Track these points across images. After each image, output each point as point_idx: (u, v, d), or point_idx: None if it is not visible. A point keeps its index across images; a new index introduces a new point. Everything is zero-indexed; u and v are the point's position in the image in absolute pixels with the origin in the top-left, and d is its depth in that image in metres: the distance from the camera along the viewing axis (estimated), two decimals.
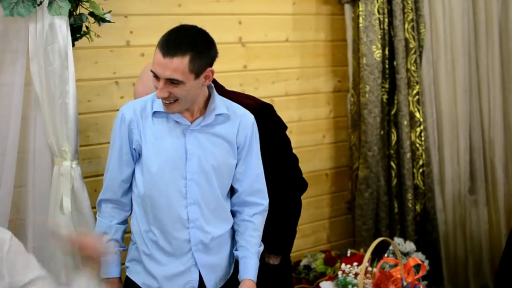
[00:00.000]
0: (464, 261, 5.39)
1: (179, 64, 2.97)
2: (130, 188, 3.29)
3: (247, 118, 3.30)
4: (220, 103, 3.23)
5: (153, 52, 3.71)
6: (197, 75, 3.03)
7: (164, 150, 3.16)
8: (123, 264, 3.35)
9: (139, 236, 3.26)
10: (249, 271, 3.29)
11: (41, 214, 3.49)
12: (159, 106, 3.15)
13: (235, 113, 3.28)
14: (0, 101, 3.38)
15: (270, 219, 3.44)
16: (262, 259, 3.46)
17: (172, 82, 2.99)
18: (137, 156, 3.22)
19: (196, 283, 3.26)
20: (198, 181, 3.20)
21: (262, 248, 3.37)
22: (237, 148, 3.28)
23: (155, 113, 3.17)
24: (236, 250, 3.34)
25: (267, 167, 3.39)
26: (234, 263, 3.40)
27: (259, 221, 3.37)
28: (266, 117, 3.52)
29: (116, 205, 3.28)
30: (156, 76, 3.02)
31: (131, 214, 3.34)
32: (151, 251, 3.24)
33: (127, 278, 3.33)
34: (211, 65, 3.09)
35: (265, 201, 3.37)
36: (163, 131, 3.17)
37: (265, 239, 3.41)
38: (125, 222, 3.34)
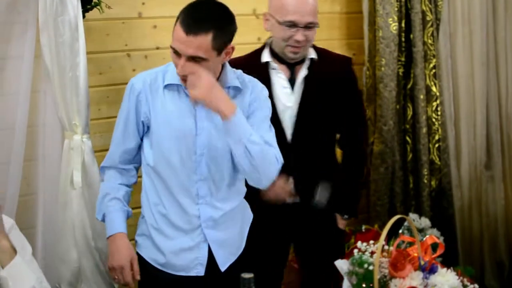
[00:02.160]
0: (480, 237, 5.35)
1: (203, 42, 2.92)
2: (134, 159, 3.25)
3: (257, 86, 3.26)
4: (232, 76, 3.18)
5: (165, 24, 3.67)
6: (219, 52, 2.99)
7: (173, 124, 3.12)
8: (132, 239, 3.30)
9: (148, 209, 3.23)
10: None
11: (51, 188, 3.48)
12: (171, 78, 3.11)
13: (246, 84, 3.23)
14: (9, 74, 3.38)
15: (340, 179, 3.73)
16: (331, 223, 3.78)
17: (194, 59, 2.94)
18: (145, 129, 3.19)
19: (205, 260, 3.22)
20: (208, 156, 3.16)
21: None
22: (247, 118, 3.19)
23: (166, 86, 3.12)
24: None
25: (353, 115, 3.76)
26: (246, 238, 3.37)
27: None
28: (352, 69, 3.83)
29: (117, 171, 3.25)
30: (176, 53, 2.96)
31: (135, 181, 3.31)
32: (159, 225, 3.21)
33: (137, 254, 3.28)
34: (231, 41, 3.04)
35: (273, 149, 3.21)
36: (174, 105, 3.13)
37: (338, 202, 3.72)
38: (129, 186, 3.28)
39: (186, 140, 3.13)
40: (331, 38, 4.82)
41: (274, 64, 3.59)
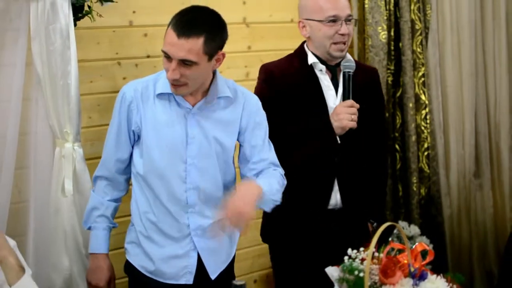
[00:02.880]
0: (469, 246, 5.37)
1: (194, 45, 2.94)
2: (126, 169, 3.28)
3: (251, 98, 3.29)
4: (223, 86, 3.19)
5: (156, 32, 3.67)
6: (210, 57, 3.01)
7: (164, 133, 3.14)
8: (122, 247, 3.34)
9: (138, 217, 3.25)
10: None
11: (42, 196, 3.47)
12: (162, 87, 3.12)
13: (238, 95, 3.25)
14: (1, 82, 3.35)
15: (370, 186, 3.72)
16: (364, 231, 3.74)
17: (185, 63, 2.96)
18: (135, 138, 3.20)
19: (194, 268, 3.23)
20: (198, 166, 3.17)
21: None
22: (240, 132, 3.26)
23: (158, 95, 3.13)
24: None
25: (379, 123, 3.79)
26: (236, 245, 3.39)
27: (279, 173, 3.33)
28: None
29: (110, 183, 3.27)
30: (168, 57, 2.99)
31: (125, 194, 3.34)
32: (149, 233, 3.22)
33: (127, 261, 3.32)
34: (222, 47, 3.07)
35: (280, 170, 3.34)
36: (165, 114, 3.14)
37: (369, 209, 3.72)
38: (118, 200, 3.32)
39: (177, 149, 3.14)
40: None
41: (320, 66, 3.60)
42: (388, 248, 2.91)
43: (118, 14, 3.94)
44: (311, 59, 3.59)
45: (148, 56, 4.08)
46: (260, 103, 3.32)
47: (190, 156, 3.16)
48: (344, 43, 3.53)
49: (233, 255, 3.39)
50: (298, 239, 3.62)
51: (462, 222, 5.32)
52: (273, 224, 3.71)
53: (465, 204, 5.31)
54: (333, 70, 3.62)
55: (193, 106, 3.14)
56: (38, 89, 3.40)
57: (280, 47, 4.56)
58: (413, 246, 2.94)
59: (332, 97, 3.59)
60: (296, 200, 3.55)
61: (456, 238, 5.31)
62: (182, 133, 3.15)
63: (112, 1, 3.48)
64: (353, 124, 3.47)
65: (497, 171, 5.40)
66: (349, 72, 3.51)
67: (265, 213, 3.66)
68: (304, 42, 3.70)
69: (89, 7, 3.46)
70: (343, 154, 3.57)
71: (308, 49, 3.64)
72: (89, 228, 3.28)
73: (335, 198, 3.59)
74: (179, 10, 3.04)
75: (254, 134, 3.27)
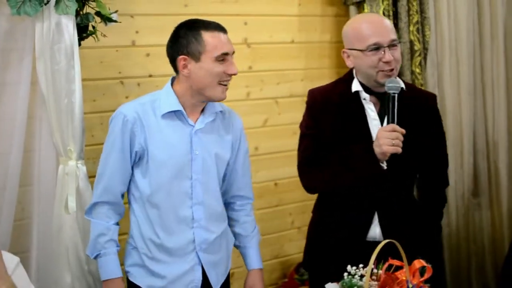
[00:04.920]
0: (467, 264, 5.38)
1: None
2: (124, 191, 3.30)
3: (236, 120, 3.43)
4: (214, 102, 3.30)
5: (158, 52, 3.72)
6: None
7: (171, 151, 3.19)
8: (122, 265, 3.36)
9: (141, 241, 3.28)
10: (254, 260, 3.47)
11: (45, 213, 3.49)
12: (168, 106, 3.19)
13: (227, 110, 3.38)
14: (6, 100, 3.39)
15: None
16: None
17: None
18: (135, 160, 3.23)
19: (200, 283, 3.30)
20: (202, 180, 3.25)
21: (258, 235, 3.53)
22: (233, 146, 3.39)
23: (164, 115, 3.19)
24: (236, 241, 3.50)
25: (439, 153, 3.54)
26: (230, 258, 3.48)
27: (249, 208, 3.53)
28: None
29: (112, 207, 3.26)
30: (224, 58, 3.16)
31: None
32: (153, 254, 3.26)
33: (130, 283, 3.33)
34: None
35: (251, 196, 3.54)
36: (170, 132, 3.20)
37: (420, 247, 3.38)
38: (118, 223, 3.32)
39: (183, 166, 3.21)
40: (321, 67, 4.89)
41: (364, 94, 3.37)
42: (386, 264, 2.94)
43: (121, 34, 3.99)
44: (355, 86, 3.38)
45: (150, 76, 4.13)
46: (241, 122, 3.46)
47: (194, 172, 3.23)
48: (392, 70, 3.28)
49: (229, 267, 3.48)
50: (338, 272, 3.26)
51: (460, 240, 5.33)
52: (315, 252, 3.57)
53: (463, 222, 5.33)
54: (382, 99, 3.36)
55: (195, 123, 3.22)
56: (42, 107, 3.44)
57: (280, 68, 4.63)
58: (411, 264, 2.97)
59: (376, 127, 3.33)
60: (337, 231, 3.43)
61: (455, 257, 5.32)
62: (187, 149, 3.21)
63: (116, 22, 3.51)
64: (395, 149, 3.18)
65: (495, 190, 5.42)
66: (394, 93, 3.23)
67: (308, 239, 3.62)
68: (352, 68, 3.44)
69: (93, 27, 3.50)
70: (387, 184, 3.36)
71: (355, 75, 3.41)
72: (97, 256, 3.24)
73: (374, 231, 3.40)
74: (190, 23, 3.19)
75: (238, 157, 3.43)
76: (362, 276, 2.89)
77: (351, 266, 2.97)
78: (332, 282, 3.33)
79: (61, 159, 3.46)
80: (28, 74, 3.38)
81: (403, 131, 3.20)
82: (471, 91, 5.25)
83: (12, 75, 3.37)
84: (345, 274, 2.91)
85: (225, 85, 3.18)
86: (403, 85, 3.33)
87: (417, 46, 4.90)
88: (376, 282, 2.85)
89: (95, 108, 3.96)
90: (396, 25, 4.84)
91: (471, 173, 5.34)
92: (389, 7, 4.80)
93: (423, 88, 4.89)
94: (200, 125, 3.22)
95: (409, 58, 4.87)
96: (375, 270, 2.91)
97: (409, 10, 4.86)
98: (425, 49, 4.97)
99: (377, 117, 3.36)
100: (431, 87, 5.03)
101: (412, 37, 4.88)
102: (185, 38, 3.13)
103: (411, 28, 4.87)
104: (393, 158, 3.22)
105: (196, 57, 3.12)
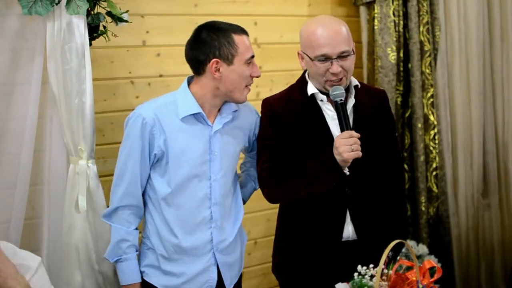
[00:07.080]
0: (476, 265, 5.38)
1: None
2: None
3: (248, 110, 3.44)
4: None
5: (168, 52, 3.72)
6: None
7: (192, 153, 3.21)
8: None
9: (158, 242, 3.29)
10: None
11: (56, 212, 3.50)
12: (188, 109, 3.20)
13: (241, 107, 3.38)
14: (17, 100, 3.39)
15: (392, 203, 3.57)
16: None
17: None
18: (154, 161, 3.23)
19: (215, 283, 3.32)
20: (220, 181, 3.28)
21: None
22: (249, 138, 3.44)
23: (183, 118, 3.20)
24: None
25: (391, 146, 3.59)
26: (243, 258, 3.50)
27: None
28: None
29: (133, 211, 3.27)
30: (252, 59, 3.24)
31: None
32: (170, 255, 3.28)
33: (145, 282, 3.33)
34: None
35: None
36: (190, 134, 3.22)
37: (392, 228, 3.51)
38: (138, 228, 3.34)
39: (202, 166, 3.23)
40: None
41: (321, 96, 3.38)
42: (397, 265, 2.94)
43: (132, 34, 4.00)
44: (311, 89, 3.39)
45: (160, 75, 4.13)
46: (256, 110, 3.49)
47: (213, 173, 3.25)
48: (340, 79, 3.28)
49: (242, 268, 3.50)
50: (311, 273, 3.46)
51: (470, 241, 5.33)
52: (286, 258, 3.57)
53: (473, 223, 5.33)
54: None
55: (212, 123, 3.24)
56: (53, 107, 3.44)
57: (290, 68, 4.62)
58: (421, 264, 2.98)
59: (336, 126, 3.34)
60: (308, 233, 3.45)
61: (464, 258, 5.32)
62: (206, 151, 3.24)
63: (127, 22, 3.52)
64: (356, 154, 3.19)
65: (505, 190, 5.42)
66: (341, 99, 3.25)
67: (276, 246, 3.63)
68: (305, 71, 3.47)
69: (104, 27, 3.51)
70: (354, 185, 3.39)
71: (309, 79, 3.43)
72: (117, 261, 3.27)
73: (348, 230, 3.40)
74: (215, 25, 3.20)
75: (253, 146, 3.49)
76: (372, 277, 2.89)
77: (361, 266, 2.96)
78: (304, 285, 3.35)
79: (71, 158, 3.47)
80: (39, 74, 3.38)
81: (359, 135, 3.21)
82: (481, 92, 5.25)
83: (23, 75, 3.37)
84: (355, 274, 2.91)
85: (249, 87, 3.24)
86: (342, 92, 3.29)
87: (427, 47, 4.90)
88: (386, 283, 2.84)
89: (105, 107, 3.97)
90: (406, 25, 4.85)
91: (481, 173, 5.34)
92: (399, 7, 4.81)
93: (432, 88, 4.90)
94: (218, 126, 3.24)
95: (419, 58, 4.87)
96: (385, 271, 2.92)
97: (419, 10, 4.86)
98: (435, 49, 4.97)
99: (335, 116, 3.33)
100: (441, 88, 5.03)
101: (422, 38, 4.88)
102: (216, 41, 3.13)
103: (421, 29, 4.87)
104: (353, 162, 3.24)
105: (229, 60, 3.14)
